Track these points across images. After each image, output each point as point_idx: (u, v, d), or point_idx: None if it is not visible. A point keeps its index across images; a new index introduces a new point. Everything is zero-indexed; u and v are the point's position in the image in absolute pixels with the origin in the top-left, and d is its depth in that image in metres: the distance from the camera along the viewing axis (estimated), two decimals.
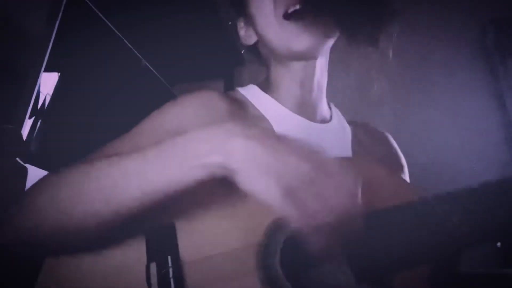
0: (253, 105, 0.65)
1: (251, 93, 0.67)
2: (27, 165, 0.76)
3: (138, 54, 1.29)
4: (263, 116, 0.64)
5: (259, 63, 0.73)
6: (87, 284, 0.46)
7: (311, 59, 0.64)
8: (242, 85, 0.70)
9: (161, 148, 0.44)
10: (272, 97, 0.66)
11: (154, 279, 0.45)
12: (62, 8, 0.89)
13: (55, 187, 0.47)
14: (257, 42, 0.68)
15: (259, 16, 0.64)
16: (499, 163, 1.48)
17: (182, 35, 1.55)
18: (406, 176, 0.74)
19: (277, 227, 0.45)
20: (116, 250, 0.47)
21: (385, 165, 0.69)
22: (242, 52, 1.89)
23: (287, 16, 0.59)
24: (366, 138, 0.71)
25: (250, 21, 0.66)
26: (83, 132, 1.02)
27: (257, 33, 0.66)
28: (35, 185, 0.50)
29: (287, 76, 0.66)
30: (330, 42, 0.63)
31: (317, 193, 0.38)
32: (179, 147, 0.43)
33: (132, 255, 0.47)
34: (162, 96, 1.50)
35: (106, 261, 0.47)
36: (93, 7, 1.05)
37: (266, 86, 0.69)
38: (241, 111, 0.63)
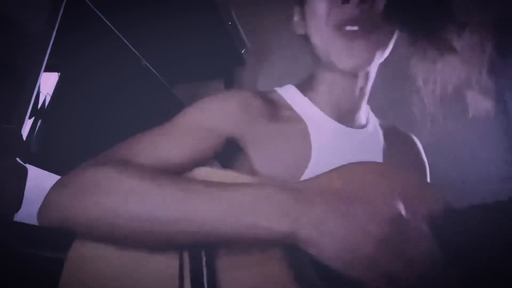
0: (289, 106, 0.64)
1: (289, 93, 0.66)
2: (27, 165, 0.76)
3: (138, 54, 1.29)
4: (299, 117, 0.63)
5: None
6: (115, 267, 0.46)
7: (352, 75, 0.62)
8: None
9: (232, 197, 0.43)
10: (310, 98, 0.65)
11: (186, 267, 0.45)
12: (62, 8, 0.89)
13: (103, 190, 0.45)
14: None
15: (310, 15, 0.61)
16: (499, 163, 1.48)
17: (182, 35, 1.55)
18: (427, 178, 0.74)
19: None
20: None
21: (411, 168, 0.70)
22: (242, 52, 1.89)
23: (340, 31, 0.56)
24: (395, 142, 0.71)
25: (304, 15, 0.64)
26: (83, 132, 1.02)
27: (306, 29, 0.63)
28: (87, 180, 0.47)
29: (329, 79, 0.64)
30: (379, 60, 0.60)
31: (399, 256, 0.37)
32: (249, 204, 0.42)
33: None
34: (162, 96, 1.50)
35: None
36: (93, 7, 1.04)
37: (306, 86, 0.67)
38: (276, 112, 0.62)
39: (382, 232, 0.38)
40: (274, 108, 0.62)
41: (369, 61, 0.58)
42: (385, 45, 0.59)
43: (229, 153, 0.61)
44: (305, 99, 0.65)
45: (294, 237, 0.40)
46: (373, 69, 0.65)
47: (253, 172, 0.58)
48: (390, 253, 0.37)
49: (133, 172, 0.47)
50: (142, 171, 0.47)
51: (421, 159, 0.74)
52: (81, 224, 0.46)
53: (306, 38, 0.65)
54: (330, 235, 0.38)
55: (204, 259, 0.46)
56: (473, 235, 0.41)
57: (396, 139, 0.71)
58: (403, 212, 0.40)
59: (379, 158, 0.66)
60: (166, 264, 0.46)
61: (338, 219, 0.39)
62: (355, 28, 0.56)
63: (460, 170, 1.45)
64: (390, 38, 0.59)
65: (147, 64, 1.35)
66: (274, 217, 0.40)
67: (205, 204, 0.43)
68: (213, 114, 0.59)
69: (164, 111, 1.48)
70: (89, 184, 0.46)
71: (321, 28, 0.59)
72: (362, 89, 0.65)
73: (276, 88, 0.68)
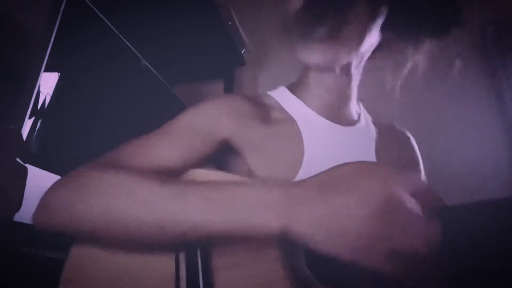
0: (281, 108, 0.65)
1: (280, 95, 0.67)
2: (27, 165, 0.76)
3: (138, 54, 1.29)
4: (291, 117, 0.64)
5: None
6: (112, 269, 0.47)
7: (329, 71, 0.63)
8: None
9: (225, 196, 0.44)
10: (300, 98, 0.66)
11: (182, 269, 0.46)
12: (62, 8, 0.89)
13: (98, 192, 0.46)
14: None
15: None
16: (498, 164, 1.48)
17: (182, 35, 1.55)
18: (422, 176, 0.74)
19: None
20: None
21: (404, 164, 0.71)
22: (242, 52, 1.89)
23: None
24: (389, 138, 0.72)
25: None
26: (83, 132, 1.02)
27: None
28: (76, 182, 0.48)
29: (314, 78, 0.65)
30: (354, 58, 0.61)
31: (390, 236, 0.38)
32: (244, 202, 0.43)
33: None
34: (162, 96, 1.50)
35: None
36: (93, 7, 1.04)
37: (296, 87, 0.68)
38: (268, 114, 0.63)
39: (370, 214, 0.39)
40: (266, 111, 0.63)
41: (335, 59, 0.59)
42: (354, 45, 0.59)
43: (224, 155, 0.61)
44: (296, 99, 0.66)
45: (288, 232, 0.41)
46: (355, 68, 0.65)
47: (249, 173, 0.59)
48: (382, 233, 0.38)
49: (128, 174, 0.48)
50: (138, 174, 0.48)
51: (415, 155, 0.75)
52: (76, 226, 0.46)
53: None
54: (322, 225, 0.39)
55: (199, 259, 0.46)
56: (469, 233, 0.40)
57: (390, 136, 0.72)
58: (396, 197, 0.40)
59: (371, 154, 0.67)
60: (162, 265, 0.46)
61: (325, 208, 0.40)
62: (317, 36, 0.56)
63: (456, 171, 1.45)
64: (362, 37, 0.58)
65: (147, 64, 1.35)
66: (268, 214, 0.41)
67: (195, 203, 0.43)
68: (207, 118, 0.59)
69: (164, 111, 1.48)
70: (86, 187, 0.47)
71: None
72: (345, 87, 0.66)
73: (268, 92, 0.69)
